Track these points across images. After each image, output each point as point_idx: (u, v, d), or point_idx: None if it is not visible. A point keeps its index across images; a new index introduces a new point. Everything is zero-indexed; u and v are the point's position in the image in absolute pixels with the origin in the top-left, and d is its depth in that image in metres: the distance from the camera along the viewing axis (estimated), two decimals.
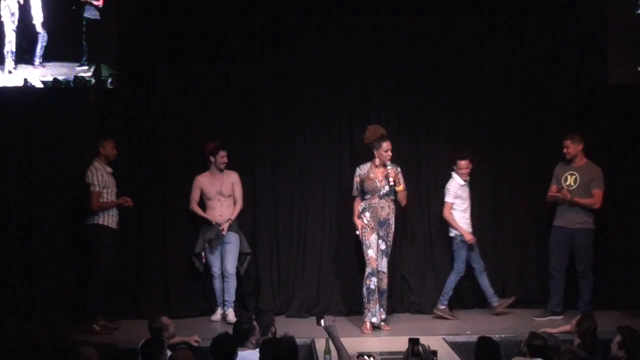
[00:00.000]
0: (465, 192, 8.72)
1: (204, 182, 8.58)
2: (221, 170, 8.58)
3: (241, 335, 5.93)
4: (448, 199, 8.69)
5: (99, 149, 8.20)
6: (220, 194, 8.56)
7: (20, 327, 8.06)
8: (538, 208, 8.92)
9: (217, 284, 8.63)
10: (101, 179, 8.15)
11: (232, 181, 8.61)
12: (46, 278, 8.50)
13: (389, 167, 8.13)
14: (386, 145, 8.15)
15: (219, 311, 8.62)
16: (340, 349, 5.78)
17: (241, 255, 8.69)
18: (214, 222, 8.49)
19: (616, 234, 8.94)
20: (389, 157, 8.15)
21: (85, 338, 7.56)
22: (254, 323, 6.09)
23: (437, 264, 9.07)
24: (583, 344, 6.43)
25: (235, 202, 8.62)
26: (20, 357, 7.32)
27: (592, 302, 8.52)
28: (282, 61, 8.98)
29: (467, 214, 8.73)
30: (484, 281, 8.77)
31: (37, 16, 8.01)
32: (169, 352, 5.90)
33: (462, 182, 8.68)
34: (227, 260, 8.54)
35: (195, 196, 8.57)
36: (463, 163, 8.62)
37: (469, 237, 8.63)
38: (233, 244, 8.57)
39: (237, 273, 8.61)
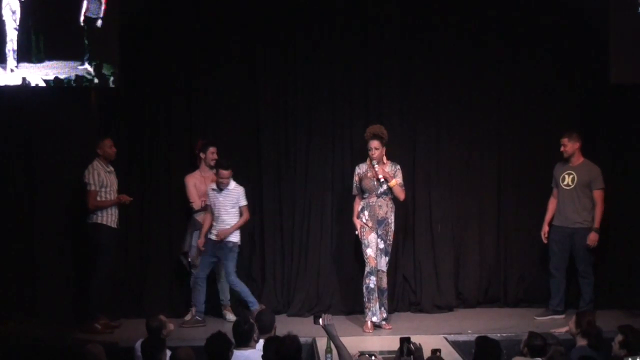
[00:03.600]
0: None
1: (195, 181, 8.56)
2: (211, 168, 8.56)
3: (242, 335, 5.90)
4: None
5: (96, 149, 8.18)
6: None
7: (22, 327, 8.10)
8: (539, 207, 8.87)
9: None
10: (98, 177, 8.11)
11: None
12: (48, 277, 8.54)
13: (375, 166, 8.13)
14: (371, 143, 8.15)
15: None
16: (340, 347, 5.76)
17: None
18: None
19: (617, 234, 8.93)
20: (373, 156, 8.15)
21: (87, 337, 7.55)
22: (252, 322, 6.07)
23: (438, 264, 9.05)
24: (590, 342, 6.29)
25: None
26: (22, 356, 7.36)
27: (594, 302, 8.51)
28: (284, 62, 8.98)
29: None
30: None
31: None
32: (168, 352, 5.87)
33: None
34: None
35: (194, 194, 8.53)
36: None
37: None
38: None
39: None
